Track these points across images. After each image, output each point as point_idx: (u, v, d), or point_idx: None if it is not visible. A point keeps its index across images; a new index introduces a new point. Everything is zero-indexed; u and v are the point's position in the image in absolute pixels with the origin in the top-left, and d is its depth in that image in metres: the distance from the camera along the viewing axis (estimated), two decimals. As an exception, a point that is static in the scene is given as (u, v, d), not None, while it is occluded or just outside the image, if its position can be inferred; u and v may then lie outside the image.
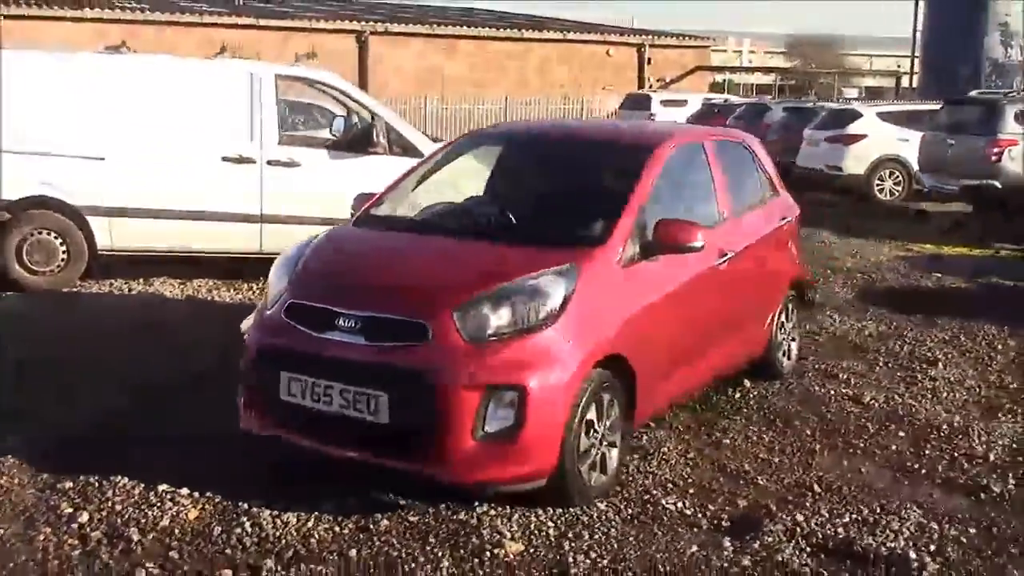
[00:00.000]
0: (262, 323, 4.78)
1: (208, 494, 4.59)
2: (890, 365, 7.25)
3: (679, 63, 37.44)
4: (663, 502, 4.71)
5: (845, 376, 6.89)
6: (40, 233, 8.79)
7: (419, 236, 5.23)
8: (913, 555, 4.20)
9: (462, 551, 4.15)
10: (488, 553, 4.14)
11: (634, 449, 5.39)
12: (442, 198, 5.72)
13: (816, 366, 7.11)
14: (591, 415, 4.53)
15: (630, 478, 4.99)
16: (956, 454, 5.49)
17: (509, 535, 4.29)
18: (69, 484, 4.68)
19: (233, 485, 4.66)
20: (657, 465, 5.19)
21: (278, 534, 4.26)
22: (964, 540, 4.43)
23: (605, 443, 4.69)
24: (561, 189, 5.51)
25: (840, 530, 4.44)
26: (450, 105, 31.17)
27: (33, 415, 5.60)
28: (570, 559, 4.11)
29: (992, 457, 5.45)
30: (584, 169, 5.61)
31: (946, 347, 7.74)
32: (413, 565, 4.03)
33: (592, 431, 4.57)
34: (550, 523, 4.44)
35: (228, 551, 4.13)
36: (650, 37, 37.62)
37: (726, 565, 4.13)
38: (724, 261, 5.63)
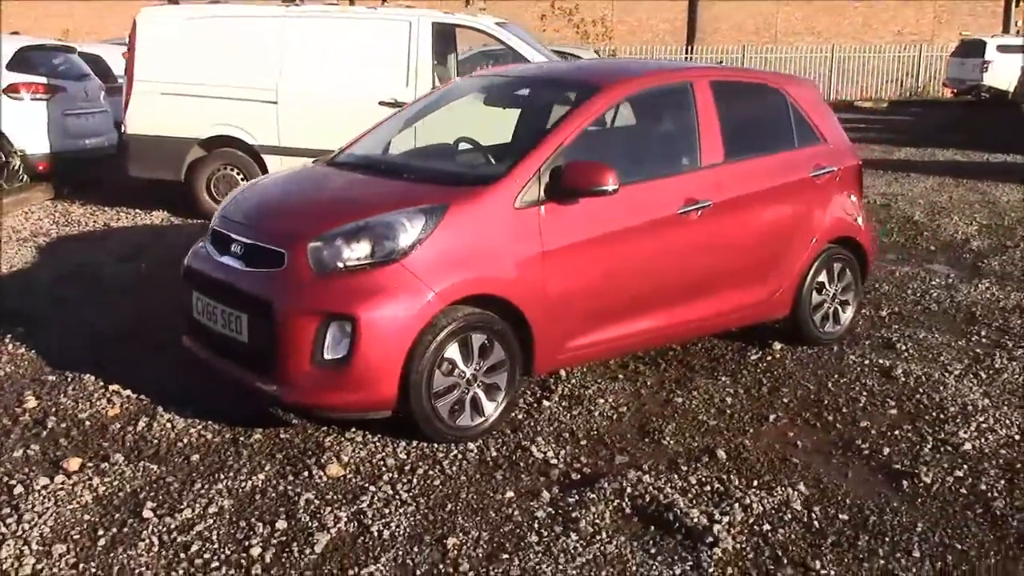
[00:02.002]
0: (193, 248, 5.24)
1: (142, 396, 5.16)
2: (983, 341, 6.37)
3: (1056, 4, 33.20)
4: (535, 449, 4.63)
5: (905, 348, 6.17)
6: (226, 168, 9.93)
7: (339, 172, 5.37)
8: (717, 529, 3.85)
9: (288, 468, 4.39)
10: (307, 472, 4.34)
11: (572, 396, 5.29)
12: (419, 140, 5.82)
13: (885, 335, 6.42)
14: (452, 353, 4.54)
15: (531, 423, 4.93)
16: (931, 440, 4.83)
17: (345, 460, 4.46)
18: (52, 377, 5.45)
19: (170, 391, 5.19)
20: (575, 415, 5.06)
21: (157, 435, 4.73)
22: (818, 525, 3.98)
23: (479, 384, 4.66)
24: (493, 129, 5.42)
25: (676, 497, 4.14)
26: (774, 55, 29.93)
27: (91, 318, 6.50)
28: (373, 488, 4.21)
29: (968, 447, 4.73)
30: (527, 110, 5.46)
31: (1079, 327, 6.65)
32: (233, 473, 4.33)
33: (456, 370, 4.58)
34: (402, 456, 4.53)
35: (105, 443, 4.65)
36: (1022, -25, 33.62)
37: (517, 514, 4.03)
38: (695, 209, 5.27)
